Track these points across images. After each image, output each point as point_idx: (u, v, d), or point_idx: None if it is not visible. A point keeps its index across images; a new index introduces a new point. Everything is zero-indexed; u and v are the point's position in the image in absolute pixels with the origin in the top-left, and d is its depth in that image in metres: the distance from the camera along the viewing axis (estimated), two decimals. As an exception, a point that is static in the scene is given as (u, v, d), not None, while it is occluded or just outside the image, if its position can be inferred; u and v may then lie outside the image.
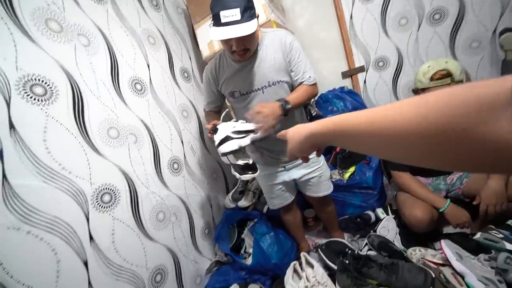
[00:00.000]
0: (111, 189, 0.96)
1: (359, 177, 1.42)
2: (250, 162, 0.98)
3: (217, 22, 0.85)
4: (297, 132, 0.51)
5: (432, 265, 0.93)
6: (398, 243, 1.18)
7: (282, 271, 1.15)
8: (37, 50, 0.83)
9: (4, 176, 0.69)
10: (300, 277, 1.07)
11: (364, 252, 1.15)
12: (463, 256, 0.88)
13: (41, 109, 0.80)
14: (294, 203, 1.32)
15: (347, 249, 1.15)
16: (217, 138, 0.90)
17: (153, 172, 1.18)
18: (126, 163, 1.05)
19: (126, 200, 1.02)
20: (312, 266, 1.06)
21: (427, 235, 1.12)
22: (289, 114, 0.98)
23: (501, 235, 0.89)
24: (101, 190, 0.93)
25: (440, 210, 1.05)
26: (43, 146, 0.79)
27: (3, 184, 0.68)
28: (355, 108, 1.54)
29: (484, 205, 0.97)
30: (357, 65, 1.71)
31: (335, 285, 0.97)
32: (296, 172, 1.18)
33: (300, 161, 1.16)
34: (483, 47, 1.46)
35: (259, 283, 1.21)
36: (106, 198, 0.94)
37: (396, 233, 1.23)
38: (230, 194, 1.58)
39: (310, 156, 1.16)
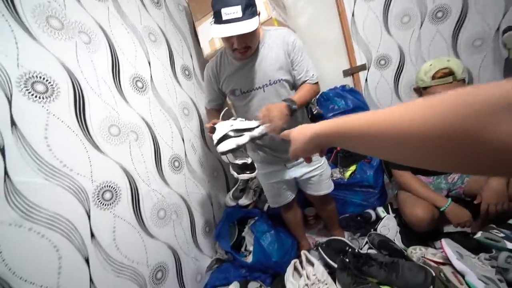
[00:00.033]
0: (112, 187, 0.97)
1: (360, 176, 1.41)
2: (249, 161, 0.98)
3: (218, 19, 0.85)
4: (301, 132, 0.51)
5: (432, 264, 0.93)
6: (398, 242, 1.18)
7: (282, 269, 1.15)
8: (38, 47, 0.83)
9: (6, 173, 0.69)
10: (300, 275, 1.07)
11: (364, 250, 1.16)
12: (463, 255, 0.88)
13: (42, 106, 0.80)
14: (295, 202, 1.32)
15: (347, 248, 1.16)
16: (215, 137, 0.90)
17: (154, 169, 1.18)
18: (127, 160, 1.05)
19: (127, 198, 1.02)
20: (312, 264, 1.07)
21: (427, 234, 1.12)
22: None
23: (502, 234, 0.89)
24: (102, 187, 0.93)
25: (441, 209, 1.05)
26: (44, 143, 0.79)
27: (5, 181, 0.69)
28: (356, 107, 1.54)
29: (485, 204, 0.97)
30: (358, 63, 1.70)
31: (335, 283, 0.97)
32: (297, 171, 1.18)
33: (301, 159, 1.16)
34: (486, 45, 1.45)
35: (260, 281, 1.21)
36: (107, 195, 0.95)
37: (397, 232, 1.23)
38: (231, 192, 1.58)
39: (313, 157, 1.16)
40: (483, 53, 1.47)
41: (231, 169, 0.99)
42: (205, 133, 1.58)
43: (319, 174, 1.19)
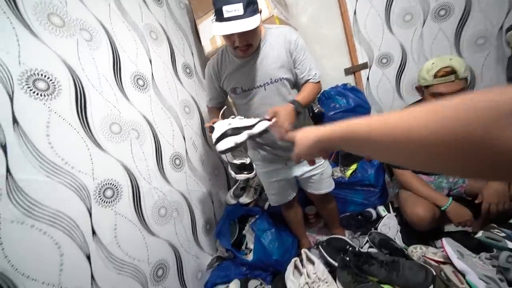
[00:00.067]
0: (113, 184, 0.97)
1: (361, 175, 1.41)
2: (247, 162, 0.98)
3: (219, 17, 0.84)
4: (306, 136, 0.51)
5: (433, 263, 0.93)
6: (399, 241, 1.18)
7: (283, 267, 1.16)
8: (39, 44, 0.82)
9: (8, 170, 0.69)
10: (300, 274, 1.07)
11: (365, 249, 1.16)
12: (464, 254, 0.88)
13: (44, 104, 0.81)
14: (295, 200, 1.32)
15: (348, 246, 1.16)
16: (214, 136, 0.90)
17: (155, 167, 1.18)
18: (128, 158, 1.05)
19: (128, 195, 1.02)
20: (313, 263, 1.07)
21: (428, 233, 1.12)
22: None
23: (503, 234, 0.89)
24: (104, 185, 0.93)
25: (442, 208, 1.05)
26: (46, 141, 0.79)
27: (7, 178, 0.69)
28: (357, 105, 1.53)
29: (487, 203, 0.97)
30: (360, 61, 1.70)
31: (336, 282, 0.97)
32: (298, 169, 1.18)
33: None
34: (489, 44, 1.44)
35: (260, 279, 1.22)
36: (109, 193, 0.95)
37: (397, 231, 1.23)
38: (232, 190, 1.58)
39: (317, 160, 1.16)
40: (486, 51, 1.46)
41: (229, 168, 1.00)
42: (206, 131, 1.58)
43: (320, 173, 1.18)
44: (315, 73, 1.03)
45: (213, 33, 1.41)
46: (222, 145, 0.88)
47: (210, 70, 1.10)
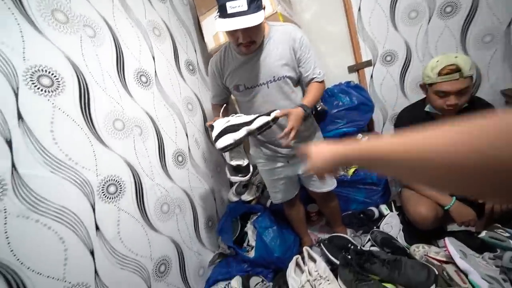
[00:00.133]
0: (116, 180, 0.98)
1: (363, 173, 1.41)
2: (244, 164, 0.98)
3: (223, 13, 0.84)
4: (321, 151, 0.50)
5: (435, 262, 0.93)
6: (401, 240, 1.17)
7: (284, 265, 1.16)
8: (43, 40, 0.83)
9: (13, 165, 0.70)
10: (302, 271, 1.07)
11: (367, 248, 1.16)
12: (467, 254, 0.88)
13: (48, 100, 0.81)
14: (297, 198, 1.32)
15: (349, 245, 1.16)
16: (213, 133, 0.90)
17: (157, 164, 1.18)
18: (131, 155, 1.06)
19: (131, 192, 1.03)
20: (314, 261, 1.07)
21: (431, 233, 1.11)
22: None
23: (507, 234, 0.88)
24: (107, 181, 0.94)
25: (445, 208, 1.04)
26: (50, 137, 0.80)
27: (12, 173, 0.70)
28: (361, 103, 1.52)
29: (490, 203, 0.96)
30: (364, 59, 1.68)
31: (337, 280, 0.97)
32: (300, 167, 1.18)
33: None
34: (496, 41, 1.42)
35: (261, 276, 1.22)
36: (112, 189, 0.96)
37: (400, 230, 1.23)
38: (234, 187, 1.59)
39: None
40: (493, 49, 1.43)
41: (226, 168, 1.00)
42: (208, 128, 1.58)
43: (322, 171, 1.18)
44: (320, 72, 1.02)
45: (217, 29, 1.40)
46: (221, 142, 0.88)
47: (213, 67, 1.10)
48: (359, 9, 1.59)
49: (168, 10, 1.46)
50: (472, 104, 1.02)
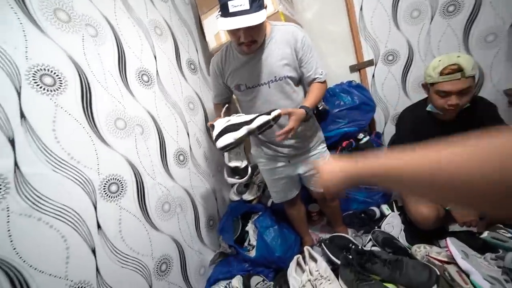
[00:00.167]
0: (118, 179, 0.98)
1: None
2: (242, 166, 0.98)
3: (225, 12, 0.84)
4: (333, 170, 0.49)
5: (437, 262, 0.93)
6: (402, 240, 1.17)
7: (285, 264, 1.16)
8: (46, 39, 0.83)
9: (16, 164, 0.70)
10: (303, 271, 1.07)
11: (368, 248, 1.15)
12: (469, 254, 0.87)
13: (50, 99, 0.81)
14: (298, 198, 1.32)
15: (350, 244, 1.15)
16: (214, 133, 0.90)
17: (159, 163, 1.19)
18: (132, 154, 1.06)
19: (132, 191, 1.03)
20: (315, 260, 1.07)
21: (432, 233, 1.11)
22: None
23: (509, 235, 0.88)
24: (109, 180, 0.94)
25: (447, 208, 1.04)
26: (52, 136, 0.80)
27: (15, 172, 0.70)
28: (362, 103, 1.52)
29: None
30: (365, 58, 1.67)
31: (338, 280, 0.97)
32: (301, 167, 1.18)
33: (304, 155, 1.15)
34: (499, 41, 1.41)
35: (262, 275, 1.23)
36: (113, 188, 0.96)
37: (401, 230, 1.23)
38: (235, 187, 1.59)
39: (316, 152, 1.16)
40: (496, 49, 1.43)
41: (224, 169, 1.00)
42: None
43: (323, 170, 1.18)
44: (322, 72, 1.02)
45: (219, 28, 1.40)
46: (221, 142, 0.88)
47: (214, 66, 1.10)
48: (361, 8, 1.59)
49: (169, 9, 1.46)
50: (474, 104, 1.01)
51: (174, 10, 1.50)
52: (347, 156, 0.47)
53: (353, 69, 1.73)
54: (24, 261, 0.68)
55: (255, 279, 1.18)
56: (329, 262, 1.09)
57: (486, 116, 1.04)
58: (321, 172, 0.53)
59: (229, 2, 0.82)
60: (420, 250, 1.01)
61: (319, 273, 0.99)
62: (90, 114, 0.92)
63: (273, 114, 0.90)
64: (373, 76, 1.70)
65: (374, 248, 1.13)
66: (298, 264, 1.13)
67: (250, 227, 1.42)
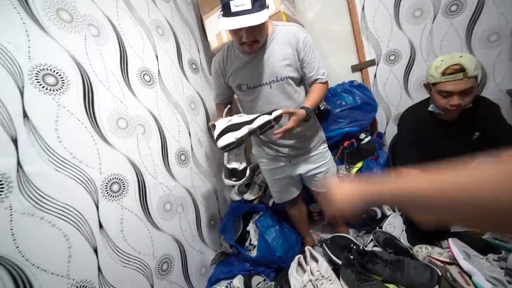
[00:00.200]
0: (119, 179, 0.98)
1: (366, 173, 1.40)
2: (240, 168, 0.97)
3: (227, 12, 0.84)
4: (345, 192, 0.48)
5: (438, 263, 0.92)
6: (404, 240, 1.16)
7: (286, 264, 1.16)
8: (48, 39, 0.83)
9: (18, 163, 0.71)
10: (304, 271, 1.07)
11: (369, 248, 1.15)
12: (471, 255, 0.87)
13: (53, 98, 0.82)
14: (300, 198, 1.32)
15: (352, 245, 1.15)
16: (215, 133, 0.90)
17: (160, 163, 1.19)
18: (134, 153, 1.06)
19: (134, 190, 1.04)
20: (316, 260, 1.07)
21: (434, 233, 1.10)
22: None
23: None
24: (110, 179, 0.95)
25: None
26: (55, 135, 0.80)
27: (17, 171, 0.70)
28: (364, 103, 1.51)
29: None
30: (367, 58, 1.67)
31: (339, 280, 0.97)
32: (302, 167, 1.17)
33: (305, 155, 1.15)
34: (502, 40, 1.40)
35: (263, 275, 1.23)
36: (115, 187, 0.96)
37: (402, 230, 1.22)
38: (236, 187, 1.59)
39: (318, 153, 1.16)
40: (499, 48, 1.42)
41: (222, 170, 1.00)
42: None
43: (324, 171, 1.18)
44: (323, 72, 1.02)
45: (221, 28, 1.40)
46: (222, 141, 0.88)
47: (215, 66, 1.10)
48: (363, 8, 1.58)
49: (171, 9, 1.46)
50: (476, 104, 1.01)
51: (176, 10, 1.51)
52: (357, 178, 0.46)
53: (354, 69, 1.72)
54: (26, 260, 0.69)
55: (256, 279, 1.18)
56: (330, 262, 1.09)
57: (489, 116, 1.03)
58: (334, 195, 0.51)
59: (231, 2, 0.82)
60: (422, 251, 1.01)
61: (320, 273, 0.99)
62: (92, 113, 0.92)
63: (275, 114, 0.90)
64: (375, 76, 1.69)
65: (375, 249, 1.12)
66: (299, 264, 1.13)
67: (251, 227, 1.42)
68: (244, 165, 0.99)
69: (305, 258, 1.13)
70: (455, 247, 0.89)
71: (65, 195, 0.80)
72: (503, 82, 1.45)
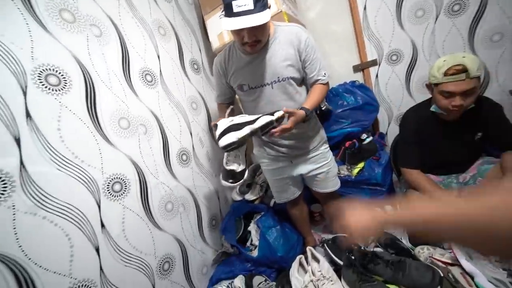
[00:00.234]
0: (121, 179, 0.99)
1: (367, 173, 1.40)
2: (238, 169, 0.97)
3: (229, 12, 0.84)
4: (361, 220, 0.49)
5: (440, 264, 0.92)
6: (405, 241, 1.16)
7: (287, 264, 1.16)
8: (51, 40, 0.84)
9: (21, 162, 0.71)
10: (305, 271, 1.07)
11: (370, 248, 1.15)
12: (473, 256, 0.86)
13: (55, 98, 0.82)
14: (301, 198, 1.32)
15: (353, 245, 1.15)
16: (217, 132, 0.90)
17: (162, 163, 1.19)
18: (136, 153, 1.07)
19: (136, 190, 1.04)
20: (318, 261, 1.07)
21: (436, 234, 1.10)
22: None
23: (514, 236, 0.87)
24: (112, 179, 0.95)
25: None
26: (57, 135, 0.81)
27: (20, 170, 0.71)
28: (366, 103, 1.51)
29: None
30: (369, 58, 1.66)
31: (341, 280, 0.97)
32: (303, 167, 1.17)
33: (307, 156, 1.15)
34: (505, 40, 1.39)
35: (264, 275, 1.23)
36: (117, 187, 0.97)
37: (404, 231, 1.22)
38: (238, 187, 1.59)
39: (320, 153, 1.15)
40: (502, 48, 1.41)
41: (221, 171, 1.00)
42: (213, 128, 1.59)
43: (325, 171, 1.18)
44: (325, 73, 1.02)
45: (223, 28, 1.40)
46: (224, 140, 0.88)
47: (217, 66, 1.10)
48: (365, 8, 1.58)
49: (173, 9, 1.47)
50: (479, 104, 1.00)
51: (178, 10, 1.51)
52: (368, 204, 0.49)
53: (356, 69, 1.72)
54: (29, 259, 0.69)
55: (257, 279, 1.19)
56: (332, 262, 1.09)
57: (491, 117, 1.03)
58: (350, 223, 0.52)
59: (233, 2, 0.82)
60: (424, 252, 1.00)
61: (322, 274, 0.99)
62: (94, 113, 0.93)
63: (277, 114, 0.90)
64: (377, 76, 1.69)
65: (376, 249, 1.12)
66: (301, 264, 1.13)
67: (252, 227, 1.42)
68: (242, 167, 0.99)
69: (306, 258, 1.13)
70: (457, 248, 0.88)
71: (67, 194, 0.81)
72: (505, 82, 1.44)
